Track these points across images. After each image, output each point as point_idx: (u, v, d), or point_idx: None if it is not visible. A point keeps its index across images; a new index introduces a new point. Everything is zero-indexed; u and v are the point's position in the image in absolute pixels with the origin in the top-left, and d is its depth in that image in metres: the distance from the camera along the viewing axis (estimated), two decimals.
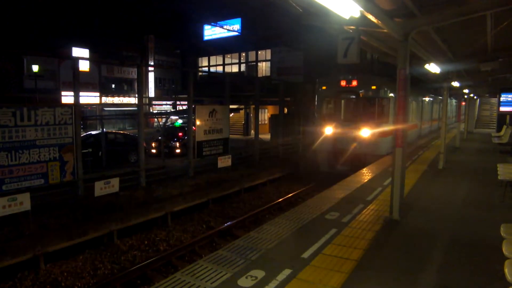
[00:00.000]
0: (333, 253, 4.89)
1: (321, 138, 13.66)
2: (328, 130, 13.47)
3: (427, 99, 20.61)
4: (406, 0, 5.20)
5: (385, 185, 8.78)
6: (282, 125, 18.55)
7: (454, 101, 28.79)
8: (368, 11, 4.47)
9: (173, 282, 4.12)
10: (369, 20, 4.85)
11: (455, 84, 13.41)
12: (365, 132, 12.67)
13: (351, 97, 13.46)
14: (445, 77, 12.13)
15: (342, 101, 13.75)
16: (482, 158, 13.66)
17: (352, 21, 5.46)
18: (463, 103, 22.08)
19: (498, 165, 8.47)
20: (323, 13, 5.96)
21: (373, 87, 12.97)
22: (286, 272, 4.32)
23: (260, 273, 4.28)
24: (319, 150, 14.01)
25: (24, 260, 6.98)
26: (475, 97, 27.63)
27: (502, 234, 4.26)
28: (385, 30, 5.54)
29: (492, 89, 23.20)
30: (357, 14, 4.44)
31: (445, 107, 12.14)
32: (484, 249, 5.12)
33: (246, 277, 4.19)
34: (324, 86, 14.20)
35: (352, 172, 10.71)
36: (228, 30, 30.10)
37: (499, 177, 7.62)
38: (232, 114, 18.69)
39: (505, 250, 3.79)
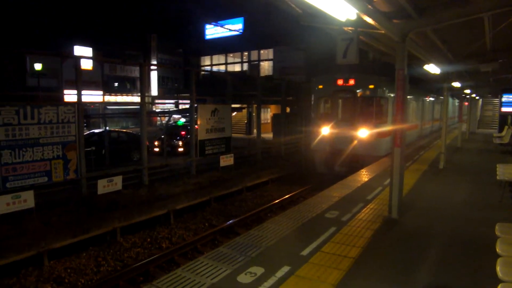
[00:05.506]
0: (332, 251, 4.97)
1: (318, 138, 13.30)
2: (325, 130, 13.06)
3: (428, 99, 20.55)
4: (403, 2, 5.25)
5: (385, 185, 8.82)
6: (284, 124, 18.59)
7: (456, 101, 28.74)
8: (364, 13, 4.54)
9: (174, 278, 4.22)
10: (367, 21, 4.92)
11: (456, 84, 13.41)
12: (363, 133, 12.33)
13: (348, 96, 13.03)
14: (446, 77, 12.13)
15: (340, 100, 13.32)
16: (483, 159, 13.67)
17: (350, 22, 5.53)
18: (466, 103, 22.08)
19: (497, 165, 8.49)
20: (322, 14, 6.02)
21: (371, 86, 12.61)
22: (285, 269, 4.40)
23: (259, 270, 4.37)
24: (316, 151, 13.69)
25: (28, 256, 7.09)
26: (477, 98, 27.56)
27: (496, 233, 4.33)
28: (383, 31, 5.60)
29: (494, 89, 23.17)
30: (353, 17, 4.51)
31: (445, 107, 12.12)
32: (481, 248, 5.17)
33: (246, 274, 4.28)
34: (320, 85, 13.73)
35: (351, 173, 10.66)
36: (230, 29, 30.16)
37: (498, 177, 7.65)
38: (235, 113, 18.77)
39: (498, 248, 3.86)
